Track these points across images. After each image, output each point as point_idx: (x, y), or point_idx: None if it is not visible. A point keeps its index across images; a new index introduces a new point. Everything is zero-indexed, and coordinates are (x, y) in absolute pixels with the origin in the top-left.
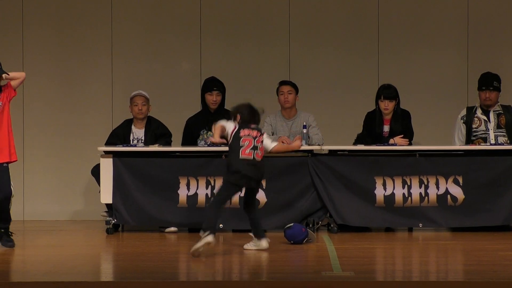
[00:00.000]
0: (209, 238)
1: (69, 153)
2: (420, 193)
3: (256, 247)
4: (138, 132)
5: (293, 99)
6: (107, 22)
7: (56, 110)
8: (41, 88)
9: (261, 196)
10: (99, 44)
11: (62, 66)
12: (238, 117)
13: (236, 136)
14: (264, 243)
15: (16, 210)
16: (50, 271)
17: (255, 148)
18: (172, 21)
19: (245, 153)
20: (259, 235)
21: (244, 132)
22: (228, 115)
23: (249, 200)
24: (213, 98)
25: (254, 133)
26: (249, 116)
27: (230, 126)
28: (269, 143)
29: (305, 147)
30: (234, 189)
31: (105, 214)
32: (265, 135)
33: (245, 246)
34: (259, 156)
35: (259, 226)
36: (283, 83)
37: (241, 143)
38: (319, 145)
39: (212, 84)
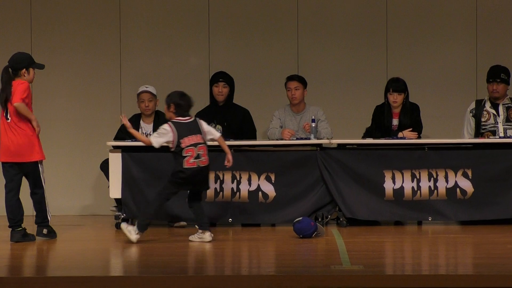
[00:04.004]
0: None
1: (78, 148)
2: (429, 187)
3: (199, 239)
4: (146, 127)
5: (301, 95)
6: (115, 17)
7: (65, 105)
8: (49, 83)
9: (270, 190)
10: (107, 39)
11: (71, 62)
12: (172, 106)
13: (178, 146)
14: (207, 236)
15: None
16: (60, 266)
17: (198, 157)
18: (180, 15)
19: (189, 162)
20: (203, 227)
21: (184, 142)
22: (235, 110)
23: (194, 195)
24: (219, 89)
25: (195, 139)
26: (184, 105)
27: (167, 136)
28: (215, 132)
29: (313, 141)
30: (179, 188)
31: (114, 209)
32: (204, 125)
33: (190, 238)
34: (204, 163)
35: (203, 218)
36: (290, 78)
37: (184, 153)
38: (328, 139)
39: (218, 76)
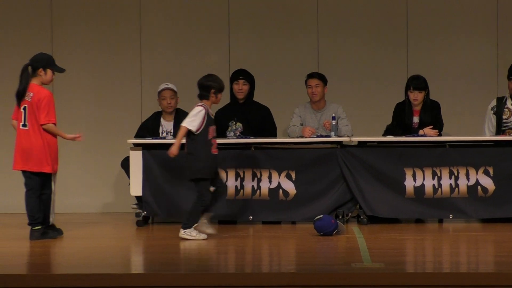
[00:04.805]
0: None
1: (99, 146)
2: (450, 184)
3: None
4: (167, 125)
5: (321, 92)
6: (135, 15)
7: (86, 103)
8: (70, 82)
9: (290, 187)
10: (128, 37)
11: (91, 60)
12: (212, 91)
13: (205, 131)
14: (180, 233)
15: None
16: (80, 264)
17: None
18: (201, 13)
19: (215, 149)
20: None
21: (210, 131)
22: (255, 107)
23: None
24: (238, 87)
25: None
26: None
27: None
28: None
29: (334, 138)
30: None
31: (135, 206)
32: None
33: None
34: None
35: (185, 215)
36: (310, 76)
37: (212, 142)
38: (348, 136)
39: (238, 74)
